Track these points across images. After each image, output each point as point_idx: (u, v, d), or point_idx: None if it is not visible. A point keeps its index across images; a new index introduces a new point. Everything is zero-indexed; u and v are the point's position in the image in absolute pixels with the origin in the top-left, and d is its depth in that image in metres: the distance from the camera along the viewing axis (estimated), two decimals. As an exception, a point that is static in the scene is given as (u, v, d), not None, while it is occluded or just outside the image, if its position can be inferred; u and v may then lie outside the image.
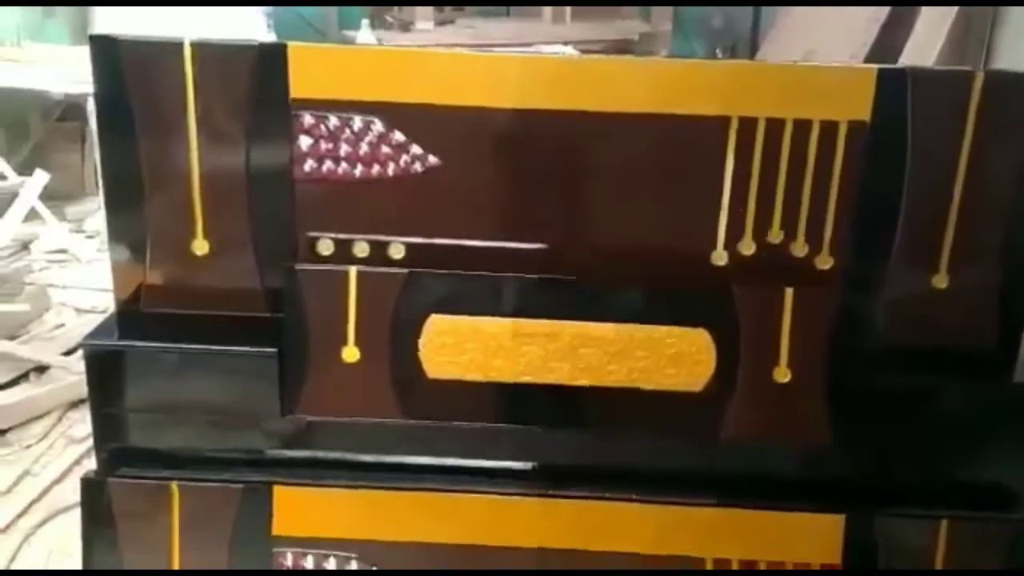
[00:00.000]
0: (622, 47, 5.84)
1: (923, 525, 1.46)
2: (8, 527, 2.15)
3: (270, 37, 5.08)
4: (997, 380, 1.46)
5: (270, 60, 1.36)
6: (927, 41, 4.10)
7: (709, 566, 1.48)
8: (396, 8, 5.88)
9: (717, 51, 6.11)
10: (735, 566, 1.47)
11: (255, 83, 1.36)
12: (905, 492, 1.49)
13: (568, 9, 6.00)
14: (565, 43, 5.16)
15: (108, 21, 4.49)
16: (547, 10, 6.03)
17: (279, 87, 1.37)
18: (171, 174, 1.40)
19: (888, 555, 1.47)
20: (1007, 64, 4.44)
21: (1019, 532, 1.47)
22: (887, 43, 4.24)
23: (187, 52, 1.36)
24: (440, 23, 5.88)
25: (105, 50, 1.37)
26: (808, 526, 1.47)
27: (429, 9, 5.83)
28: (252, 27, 4.91)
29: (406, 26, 5.77)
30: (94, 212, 4.11)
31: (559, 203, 1.42)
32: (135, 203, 1.41)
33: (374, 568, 1.48)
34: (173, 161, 1.39)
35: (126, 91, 1.37)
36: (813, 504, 1.47)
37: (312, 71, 1.37)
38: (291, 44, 1.36)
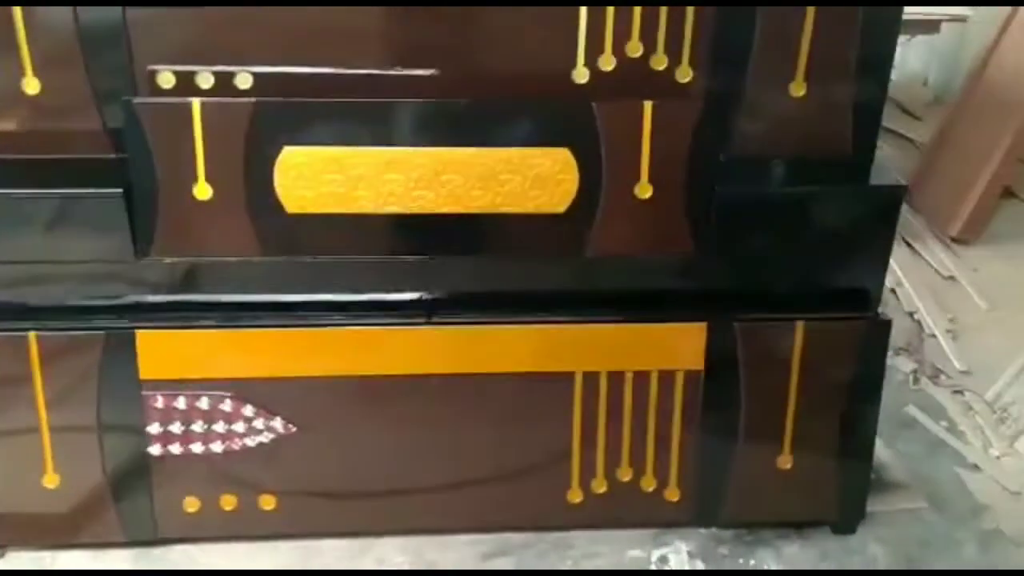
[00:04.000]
0: None
1: (779, 328, 1.52)
2: None
3: None
4: (854, 184, 1.49)
5: None
6: None
7: (578, 380, 1.52)
8: None
9: None
10: (603, 379, 1.52)
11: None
12: (766, 299, 1.54)
13: None
14: None
15: None
16: None
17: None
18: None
19: (748, 358, 1.53)
20: None
21: (869, 331, 1.54)
22: None
23: None
24: None
25: None
26: (672, 335, 1.51)
27: None
28: None
29: None
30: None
31: (413, 24, 1.36)
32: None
33: (248, 404, 1.49)
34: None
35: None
36: (676, 314, 1.51)
37: None
38: None
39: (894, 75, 4.06)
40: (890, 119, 3.49)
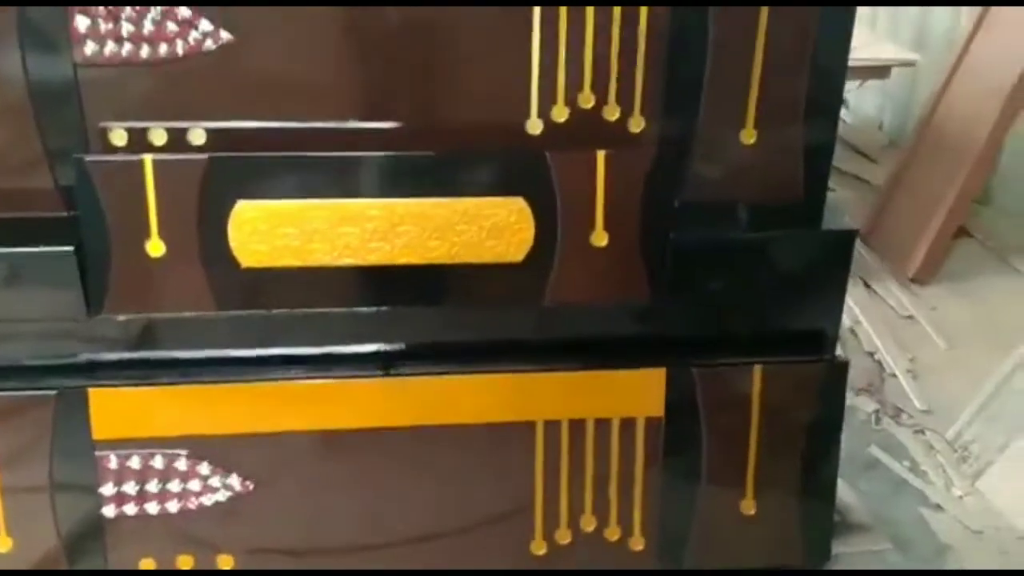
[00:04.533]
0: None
1: (738, 372, 1.53)
2: None
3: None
4: (807, 228, 1.51)
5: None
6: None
7: (539, 430, 1.51)
8: None
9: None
10: (564, 427, 1.51)
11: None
12: (724, 343, 1.55)
13: None
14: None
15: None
16: None
17: None
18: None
19: (707, 403, 1.53)
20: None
21: (828, 373, 1.56)
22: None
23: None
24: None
25: None
26: (631, 382, 1.52)
27: None
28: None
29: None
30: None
31: (368, 77, 1.37)
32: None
33: (204, 462, 1.47)
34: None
35: None
36: (635, 361, 1.51)
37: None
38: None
39: (850, 119, 4.15)
40: (846, 162, 3.56)
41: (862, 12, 1.44)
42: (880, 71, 2.84)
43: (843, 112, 3.78)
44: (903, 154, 3.11)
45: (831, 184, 1.52)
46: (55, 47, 1.29)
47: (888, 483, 1.98)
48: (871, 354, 2.46)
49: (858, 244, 2.91)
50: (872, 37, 3.19)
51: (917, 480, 1.99)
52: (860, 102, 4.07)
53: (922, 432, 2.16)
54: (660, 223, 1.44)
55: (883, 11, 3.78)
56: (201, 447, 1.46)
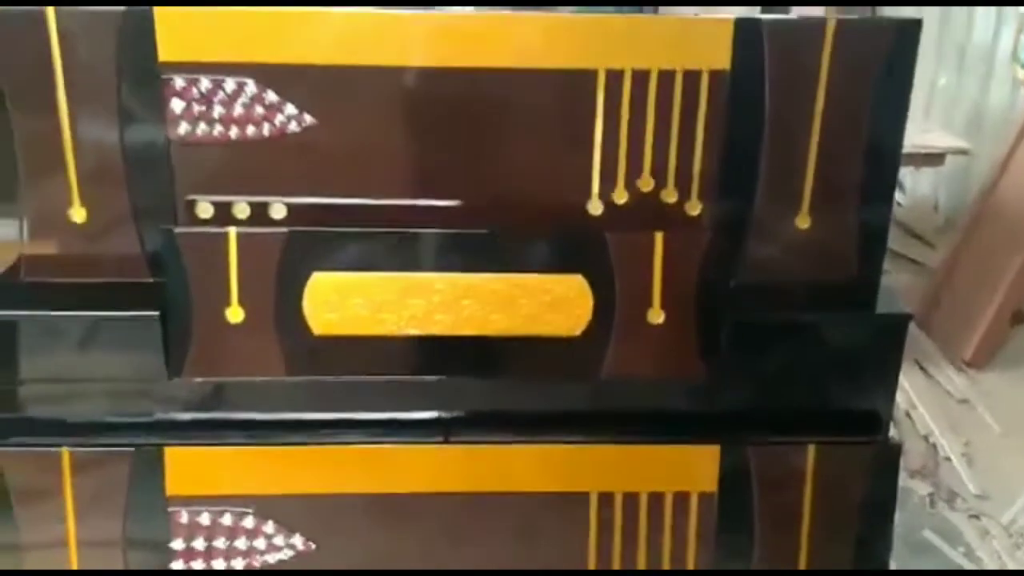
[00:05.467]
0: None
1: (791, 451, 1.55)
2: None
3: None
4: (860, 311, 1.54)
5: (137, 25, 1.36)
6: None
7: (593, 501, 1.54)
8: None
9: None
10: (618, 500, 1.54)
11: (122, 49, 1.36)
12: (777, 421, 1.57)
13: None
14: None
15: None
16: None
17: (147, 52, 1.37)
18: (44, 144, 1.39)
19: (761, 481, 1.55)
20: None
21: (881, 454, 1.57)
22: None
23: (51, 20, 1.35)
24: None
25: (-35, 21, 1.35)
26: (686, 457, 1.54)
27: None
28: None
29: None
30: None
31: (435, 158, 1.45)
32: (9, 177, 1.41)
33: (269, 521, 1.52)
34: (44, 130, 1.38)
35: (-10, 62, 1.36)
36: (690, 436, 1.55)
37: (180, 34, 1.37)
38: (157, 8, 1.36)
39: (905, 200, 4.18)
40: (902, 244, 3.57)
41: (916, 98, 1.49)
42: (934, 159, 2.88)
43: (898, 195, 3.82)
44: (958, 237, 3.13)
45: (886, 266, 1.56)
46: (151, 125, 1.39)
47: (942, 568, 1.97)
48: (926, 437, 2.46)
49: (913, 328, 2.93)
50: (926, 124, 3.24)
51: (972, 565, 1.98)
52: (915, 183, 4.10)
53: (977, 517, 2.14)
54: (715, 302, 1.49)
55: (938, 97, 3.83)
56: (267, 506, 1.51)
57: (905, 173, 3.77)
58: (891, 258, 2.82)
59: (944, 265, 3.08)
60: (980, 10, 3.76)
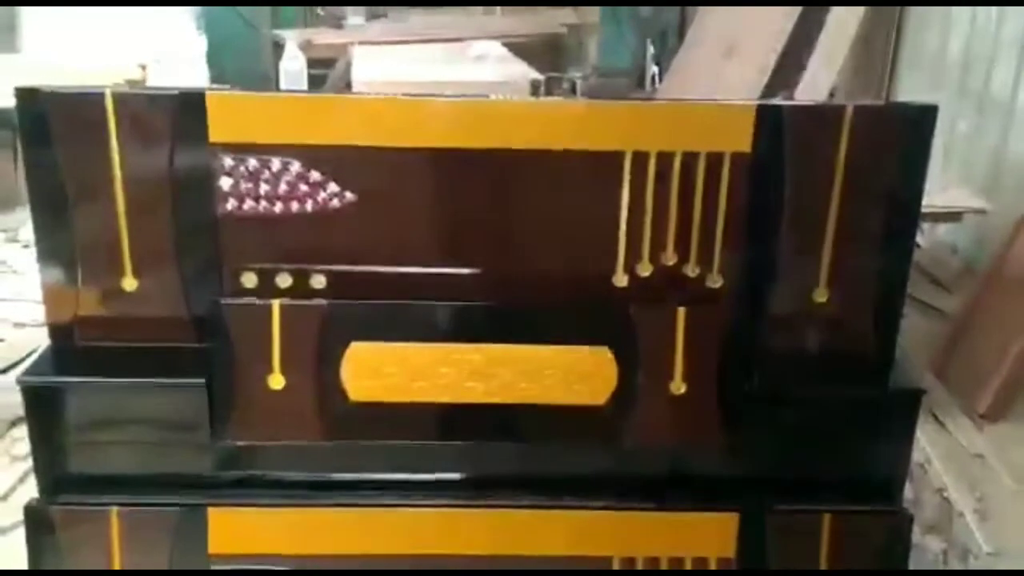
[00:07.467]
0: (551, 40, 5.94)
1: (808, 518, 1.60)
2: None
3: (200, 40, 5.10)
4: (875, 384, 1.60)
5: (190, 107, 1.44)
6: (838, 32, 4.27)
7: (616, 565, 1.60)
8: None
9: (648, 41, 6.25)
10: (640, 564, 1.60)
11: (175, 130, 1.45)
12: (794, 489, 1.63)
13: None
14: (494, 37, 5.22)
15: (36, 24, 4.48)
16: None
17: (199, 132, 1.45)
18: (99, 216, 1.48)
19: (778, 546, 1.60)
20: (911, 51, 4.67)
21: (895, 522, 1.62)
22: (802, 34, 4.41)
23: (108, 102, 1.43)
24: (371, 17, 5.92)
25: (29, 101, 1.44)
26: (705, 523, 1.60)
27: (360, 3, 5.88)
28: (180, 28, 4.93)
29: (337, 22, 5.81)
30: (28, 221, 4.07)
31: (468, 233, 1.53)
32: (66, 247, 1.50)
33: (306, 579, 1.59)
34: (100, 206, 1.47)
35: (51, 142, 1.44)
36: (710, 503, 1.60)
37: (229, 116, 1.45)
38: (209, 92, 1.45)
39: (923, 243, 4.15)
40: (919, 290, 3.60)
41: (934, 153, 1.54)
42: (951, 216, 2.93)
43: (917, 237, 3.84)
44: (976, 289, 3.17)
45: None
46: (201, 201, 1.48)
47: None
48: (940, 491, 2.49)
49: (929, 378, 2.96)
50: (944, 174, 3.28)
51: (984, 625, 2.01)
52: (933, 227, 4.12)
53: (990, 576, 2.18)
54: (736, 374, 1.54)
55: (956, 152, 3.87)
56: (304, 565, 1.58)
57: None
58: (908, 303, 2.85)
59: (961, 314, 3.12)
60: (1003, 56, 3.80)
